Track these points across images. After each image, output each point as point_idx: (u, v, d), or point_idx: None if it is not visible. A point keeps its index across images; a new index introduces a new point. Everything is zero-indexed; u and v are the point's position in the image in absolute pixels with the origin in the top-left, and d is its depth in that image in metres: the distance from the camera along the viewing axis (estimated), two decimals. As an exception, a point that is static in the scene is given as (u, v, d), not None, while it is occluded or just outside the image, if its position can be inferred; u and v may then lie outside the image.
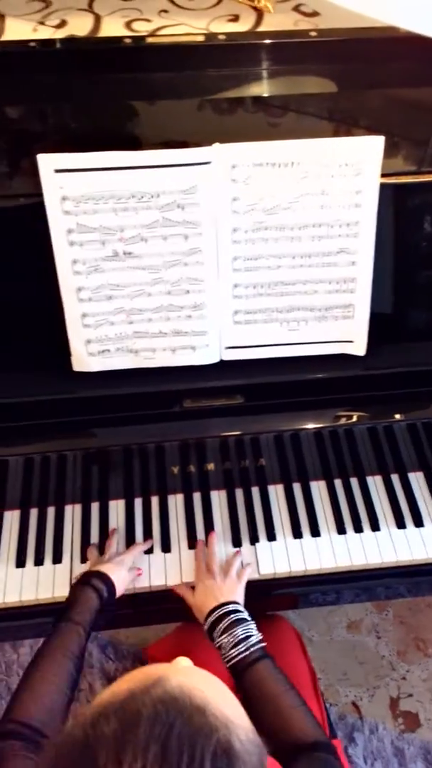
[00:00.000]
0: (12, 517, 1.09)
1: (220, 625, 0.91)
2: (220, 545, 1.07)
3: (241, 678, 0.86)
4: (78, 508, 1.10)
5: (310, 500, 1.11)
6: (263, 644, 0.89)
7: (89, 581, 0.94)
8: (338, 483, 1.13)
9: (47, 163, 0.83)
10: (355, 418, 1.06)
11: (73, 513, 1.10)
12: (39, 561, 1.05)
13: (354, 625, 1.72)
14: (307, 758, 0.77)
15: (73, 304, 0.93)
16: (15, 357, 0.98)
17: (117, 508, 1.10)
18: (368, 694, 1.62)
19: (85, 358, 0.97)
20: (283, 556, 1.06)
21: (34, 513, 1.09)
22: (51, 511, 1.09)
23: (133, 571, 1.02)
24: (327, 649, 1.67)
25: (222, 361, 1.01)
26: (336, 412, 1.06)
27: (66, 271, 0.90)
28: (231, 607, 0.93)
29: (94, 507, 1.10)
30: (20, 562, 1.04)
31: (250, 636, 0.89)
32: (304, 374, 1.01)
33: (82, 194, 0.85)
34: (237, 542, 1.07)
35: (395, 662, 1.66)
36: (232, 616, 0.91)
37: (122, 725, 0.46)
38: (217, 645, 0.90)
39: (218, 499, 1.12)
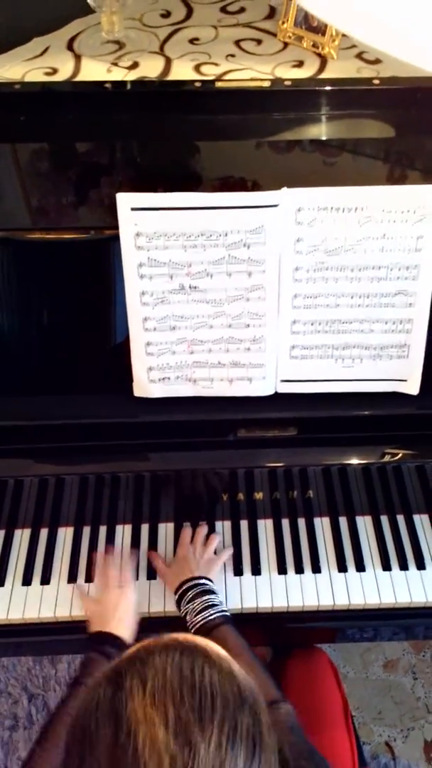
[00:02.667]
0: (65, 534, 1.12)
1: (189, 593, 0.98)
2: (268, 573, 1.09)
3: None
4: (128, 528, 1.13)
5: (356, 535, 1.12)
6: (226, 612, 0.96)
7: (104, 650, 0.95)
8: (384, 519, 1.14)
9: (125, 201, 0.89)
10: (404, 456, 1.08)
11: (123, 533, 1.13)
12: (90, 578, 1.08)
13: (391, 665, 1.70)
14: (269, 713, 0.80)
15: (138, 332, 0.97)
16: (80, 380, 1.03)
17: (166, 531, 1.13)
18: (402, 735, 1.60)
19: (146, 385, 1.01)
20: (327, 589, 1.08)
21: (86, 531, 1.13)
22: (102, 530, 1.13)
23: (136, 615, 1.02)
24: (362, 686, 1.66)
25: (277, 394, 1.03)
26: (386, 448, 1.08)
27: (134, 302, 0.95)
28: (202, 581, 1.00)
29: (144, 528, 1.13)
30: (72, 578, 1.08)
31: (215, 605, 0.96)
32: (357, 410, 1.03)
33: (155, 231, 0.90)
34: (282, 570, 1.09)
35: (431, 705, 1.64)
36: (200, 587, 0.99)
37: (139, 658, 0.54)
38: (183, 613, 0.97)
39: (264, 528, 1.14)
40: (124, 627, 0.98)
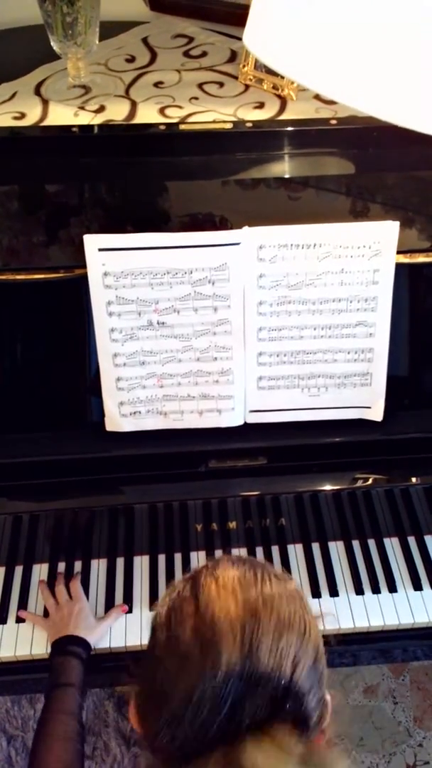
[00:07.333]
0: (40, 570, 1.12)
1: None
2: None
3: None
4: (104, 562, 1.14)
5: (329, 560, 1.14)
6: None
7: (68, 650, 0.99)
8: (356, 544, 1.16)
9: (92, 242, 0.91)
10: (372, 481, 1.10)
11: (98, 567, 1.13)
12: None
13: (371, 690, 1.70)
14: None
15: (108, 368, 0.99)
16: (52, 417, 1.04)
17: (141, 564, 1.14)
18: (384, 761, 1.59)
19: (117, 419, 1.02)
20: (302, 615, 1.09)
21: (61, 567, 1.13)
22: (78, 566, 1.13)
23: (107, 620, 1.06)
24: (343, 713, 1.65)
25: (246, 424, 1.06)
26: (354, 474, 1.10)
27: (104, 339, 0.97)
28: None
29: (120, 561, 1.14)
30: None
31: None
32: (324, 438, 1.06)
33: (122, 270, 0.93)
34: (257, 600, 1.10)
35: (412, 729, 1.64)
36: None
37: (212, 563, 0.67)
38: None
39: (239, 557, 1.15)
40: (82, 629, 1.01)
